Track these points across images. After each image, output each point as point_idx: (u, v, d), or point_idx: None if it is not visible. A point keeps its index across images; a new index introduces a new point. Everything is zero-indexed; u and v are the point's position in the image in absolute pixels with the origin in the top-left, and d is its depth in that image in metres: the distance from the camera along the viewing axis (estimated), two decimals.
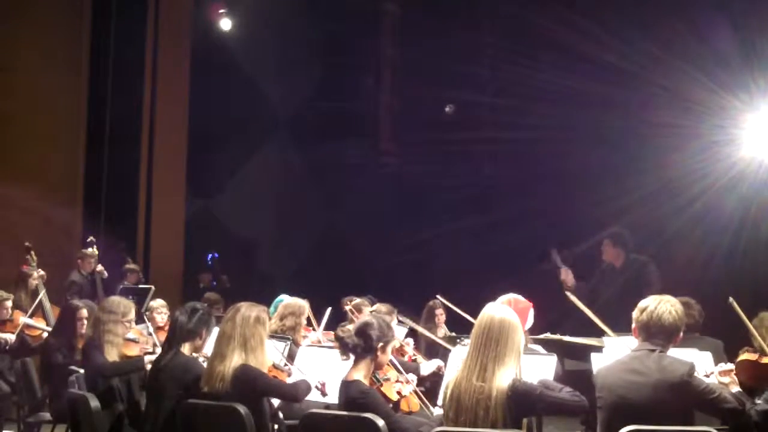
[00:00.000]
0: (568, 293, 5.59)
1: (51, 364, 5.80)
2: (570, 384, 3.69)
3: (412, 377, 4.87)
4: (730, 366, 4.01)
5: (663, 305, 3.68)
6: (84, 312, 6.02)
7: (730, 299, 4.21)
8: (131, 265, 9.41)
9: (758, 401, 3.67)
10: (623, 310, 5.36)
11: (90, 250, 8.74)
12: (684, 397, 3.48)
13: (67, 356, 5.75)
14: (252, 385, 4.10)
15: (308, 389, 4.44)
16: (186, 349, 4.43)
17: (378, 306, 6.40)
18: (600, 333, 5.34)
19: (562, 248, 7.18)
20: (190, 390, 4.19)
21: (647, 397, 3.48)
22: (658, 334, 3.65)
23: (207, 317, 4.53)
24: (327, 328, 6.40)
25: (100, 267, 8.76)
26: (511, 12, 10.98)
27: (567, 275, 6.96)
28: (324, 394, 4.54)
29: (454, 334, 7.03)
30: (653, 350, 3.60)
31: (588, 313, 5.32)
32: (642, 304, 3.76)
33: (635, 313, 3.75)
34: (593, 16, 9.40)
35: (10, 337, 6.62)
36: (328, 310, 6.31)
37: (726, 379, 3.87)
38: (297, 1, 12.82)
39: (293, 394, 4.36)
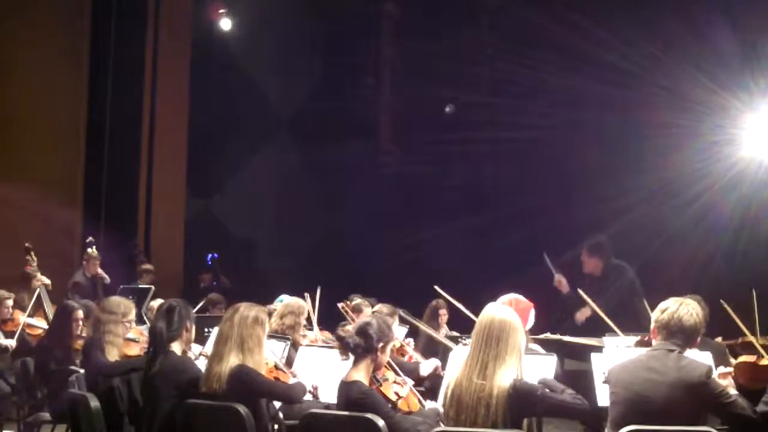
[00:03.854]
0: (580, 291, 5.61)
1: (46, 364, 5.80)
2: (570, 384, 3.69)
3: (408, 379, 4.87)
4: (729, 369, 4.03)
5: (684, 307, 3.71)
6: (79, 313, 6.00)
7: (722, 301, 4.24)
8: (147, 266, 9.43)
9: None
10: (618, 315, 5.40)
11: (90, 250, 8.75)
12: (700, 398, 3.50)
13: (61, 361, 5.73)
14: (248, 386, 4.08)
15: (304, 391, 4.44)
16: (176, 348, 4.39)
17: (380, 306, 6.39)
18: (600, 333, 5.35)
19: (552, 254, 7.15)
20: (187, 391, 4.18)
21: (664, 395, 3.50)
22: (678, 334, 3.67)
23: (185, 311, 4.45)
24: (325, 327, 6.40)
25: (101, 271, 8.77)
26: (511, 12, 10.97)
27: (561, 282, 6.95)
28: (316, 398, 4.53)
29: (455, 333, 7.02)
30: (672, 350, 3.62)
31: (597, 310, 5.33)
32: (663, 305, 3.78)
33: (655, 313, 3.78)
34: (593, 16, 9.39)
35: (11, 343, 6.61)
36: (318, 289, 6.29)
37: (725, 382, 3.88)
38: (297, 1, 12.82)
39: (289, 395, 4.36)
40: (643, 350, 3.86)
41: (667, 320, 3.70)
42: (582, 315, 6.63)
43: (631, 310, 6.20)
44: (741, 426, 3.56)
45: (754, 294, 4.83)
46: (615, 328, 5.18)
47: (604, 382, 3.82)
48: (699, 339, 3.78)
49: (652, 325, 3.78)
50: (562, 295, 6.90)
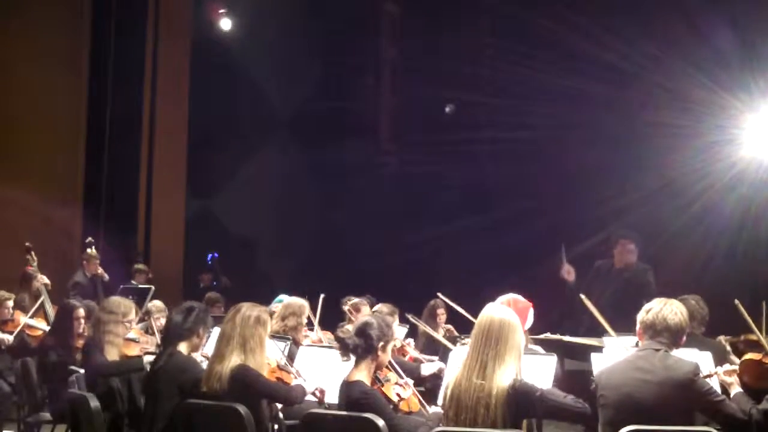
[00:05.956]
0: (583, 296, 5.59)
1: (47, 363, 5.80)
2: (570, 384, 3.69)
3: (410, 380, 4.86)
4: (735, 366, 4.03)
5: (668, 307, 3.76)
6: (81, 312, 6.01)
7: (736, 301, 4.24)
8: (140, 266, 9.45)
9: None
10: (622, 312, 5.39)
11: (89, 250, 8.75)
12: (688, 395, 3.53)
13: (62, 355, 5.74)
14: (248, 387, 4.08)
15: (304, 394, 4.43)
16: (183, 348, 4.41)
17: (380, 306, 6.40)
18: (600, 333, 5.34)
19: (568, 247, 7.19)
20: (189, 391, 4.18)
21: (653, 395, 3.52)
22: (663, 332, 3.70)
23: (204, 315, 4.50)
24: (325, 327, 6.40)
25: (100, 270, 8.77)
26: (511, 12, 10.96)
27: (570, 272, 6.97)
28: (321, 402, 4.52)
29: (456, 333, 7.02)
30: (658, 350, 3.65)
31: (596, 315, 5.32)
32: (647, 305, 3.82)
33: (640, 314, 3.80)
34: (593, 16, 9.39)
35: (8, 338, 6.61)
36: (321, 296, 6.29)
37: (730, 379, 3.89)
38: (297, 1, 12.82)
39: (288, 397, 4.35)
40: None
41: (652, 320, 3.74)
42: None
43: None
44: (731, 424, 3.58)
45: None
46: (611, 332, 5.17)
47: (592, 387, 3.82)
48: (684, 338, 3.80)
49: (638, 327, 3.81)
50: (569, 283, 6.91)
